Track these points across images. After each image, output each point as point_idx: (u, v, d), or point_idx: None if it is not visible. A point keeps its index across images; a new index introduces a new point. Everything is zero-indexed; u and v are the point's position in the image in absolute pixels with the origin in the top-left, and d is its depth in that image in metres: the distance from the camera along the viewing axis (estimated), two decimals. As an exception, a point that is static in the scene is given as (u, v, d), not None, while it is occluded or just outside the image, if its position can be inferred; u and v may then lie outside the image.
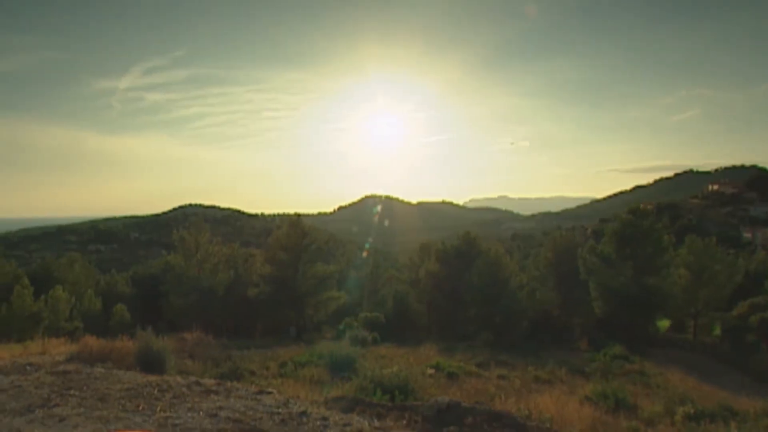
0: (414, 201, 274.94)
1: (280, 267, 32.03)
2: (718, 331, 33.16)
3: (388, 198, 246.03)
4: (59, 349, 14.65)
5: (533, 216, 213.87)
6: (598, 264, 27.63)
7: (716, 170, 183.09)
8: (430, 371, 14.93)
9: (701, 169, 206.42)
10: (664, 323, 36.45)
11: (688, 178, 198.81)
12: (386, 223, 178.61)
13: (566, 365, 17.67)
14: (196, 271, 31.39)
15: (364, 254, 36.49)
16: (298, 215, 34.16)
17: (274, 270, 32.10)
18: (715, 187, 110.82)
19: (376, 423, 6.28)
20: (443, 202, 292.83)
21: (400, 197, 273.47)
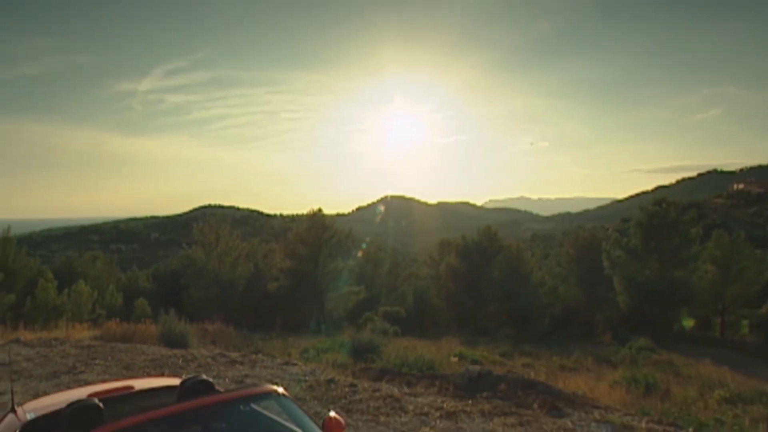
0: (433, 201, 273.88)
1: (300, 261, 31.99)
2: (745, 330, 32.30)
3: (405, 198, 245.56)
4: (83, 333, 14.70)
5: (553, 216, 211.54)
6: (623, 257, 27.10)
7: (741, 170, 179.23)
8: (454, 359, 14.69)
9: (725, 169, 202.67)
10: (688, 322, 35.57)
11: (711, 177, 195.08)
12: (403, 223, 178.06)
13: (592, 356, 17.29)
14: (217, 264, 31.50)
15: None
16: (319, 209, 33.97)
17: (293, 264, 32.06)
18: (741, 186, 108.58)
19: (406, 389, 6.10)
20: (462, 203, 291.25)
21: (419, 198, 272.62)
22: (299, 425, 2.84)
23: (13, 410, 3.07)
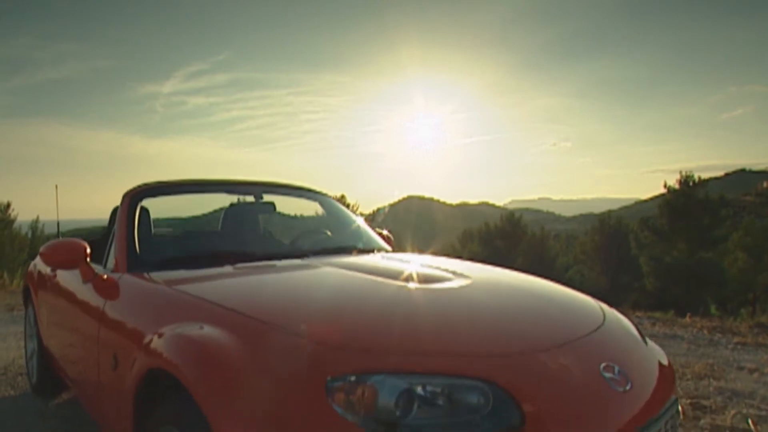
0: (454, 202, 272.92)
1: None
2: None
3: (426, 199, 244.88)
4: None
5: (575, 217, 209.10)
6: (651, 237, 26.62)
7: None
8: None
9: (754, 168, 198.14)
10: (716, 312, 34.82)
11: (739, 177, 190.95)
12: (424, 224, 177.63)
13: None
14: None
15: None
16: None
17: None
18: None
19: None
20: (483, 204, 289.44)
21: (440, 198, 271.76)
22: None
23: None
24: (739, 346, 4.39)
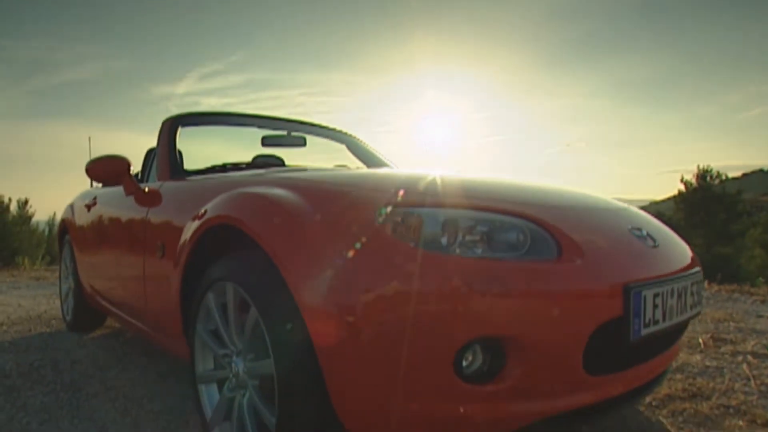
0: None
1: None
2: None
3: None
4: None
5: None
6: (666, 232, 26.38)
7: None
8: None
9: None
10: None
11: (757, 177, 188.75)
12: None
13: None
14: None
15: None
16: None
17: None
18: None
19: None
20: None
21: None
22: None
23: None
24: (758, 302, 4.41)
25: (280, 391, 1.31)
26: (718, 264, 25.32)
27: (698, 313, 1.65)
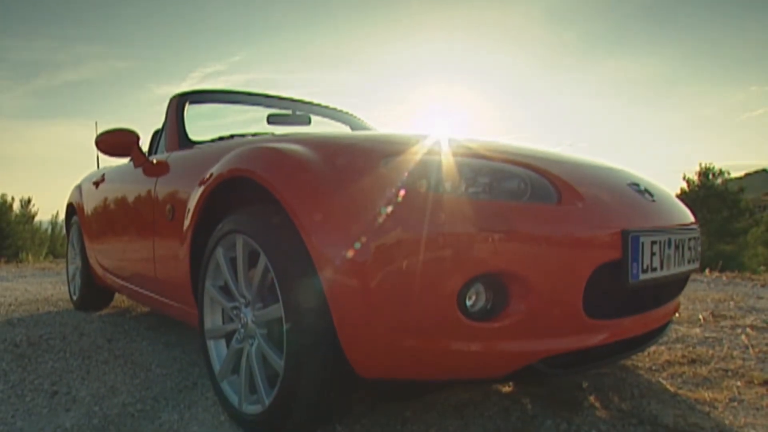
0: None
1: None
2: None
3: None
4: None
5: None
6: (668, 230, 26.33)
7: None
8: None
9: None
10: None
11: (760, 177, 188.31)
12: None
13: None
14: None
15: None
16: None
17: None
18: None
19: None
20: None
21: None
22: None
23: None
24: (758, 285, 4.44)
25: (288, 331, 1.35)
26: (720, 262, 25.28)
27: (695, 269, 1.68)
